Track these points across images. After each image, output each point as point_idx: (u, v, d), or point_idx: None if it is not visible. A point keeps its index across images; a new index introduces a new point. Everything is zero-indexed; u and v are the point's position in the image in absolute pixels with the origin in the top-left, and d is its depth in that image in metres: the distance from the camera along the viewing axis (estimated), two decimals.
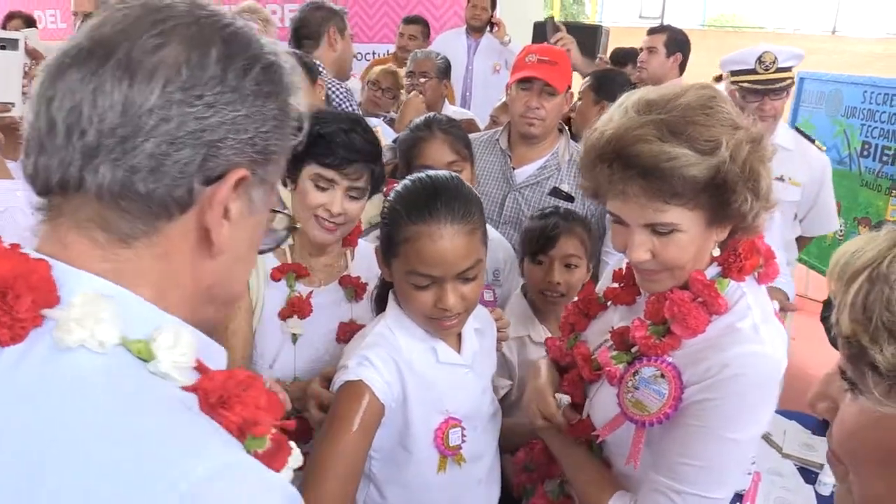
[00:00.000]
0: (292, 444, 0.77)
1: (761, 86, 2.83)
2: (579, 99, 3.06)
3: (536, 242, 1.96)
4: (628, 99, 1.22)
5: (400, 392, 1.33)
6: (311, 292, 1.66)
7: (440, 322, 1.33)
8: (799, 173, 2.97)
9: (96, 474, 0.56)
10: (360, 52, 5.78)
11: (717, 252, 1.27)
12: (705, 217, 1.20)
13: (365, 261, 1.78)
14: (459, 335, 1.45)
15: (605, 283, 1.56)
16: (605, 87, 2.84)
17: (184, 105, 0.66)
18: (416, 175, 1.38)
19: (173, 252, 0.70)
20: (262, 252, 0.85)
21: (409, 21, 4.76)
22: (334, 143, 1.56)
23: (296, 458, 0.76)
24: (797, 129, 3.15)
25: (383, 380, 1.30)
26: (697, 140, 1.13)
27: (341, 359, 1.38)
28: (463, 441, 1.39)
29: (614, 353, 1.33)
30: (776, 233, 2.61)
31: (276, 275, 1.64)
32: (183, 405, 0.64)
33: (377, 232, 2.01)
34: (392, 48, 5.26)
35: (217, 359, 0.75)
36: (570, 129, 2.66)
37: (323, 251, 1.70)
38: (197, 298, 0.74)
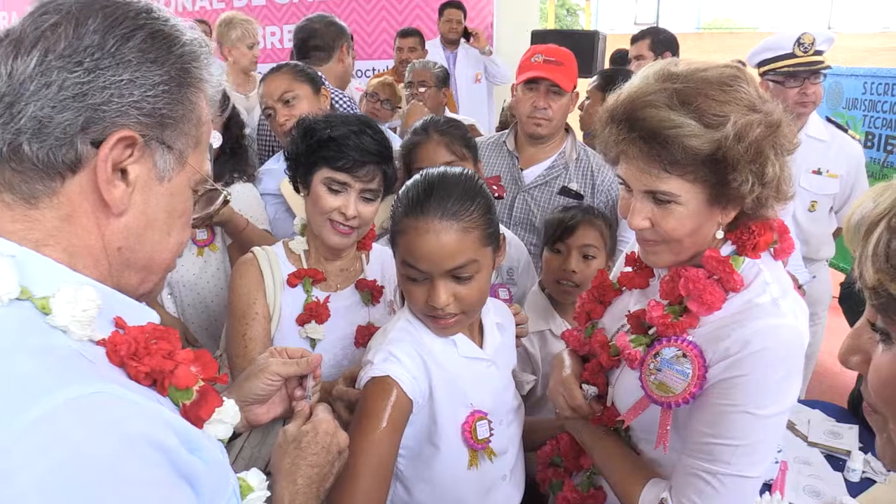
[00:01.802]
0: (226, 398, 0.83)
1: (804, 68, 2.75)
2: (587, 98, 3.07)
3: (555, 231, 1.99)
4: (653, 67, 1.23)
5: (427, 387, 1.32)
6: (327, 297, 1.67)
7: (435, 320, 1.32)
8: (836, 164, 2.88)
9: None
10: (359, 70, 5.85)
11: (720, 235, 1.26)
12: (706, 193, 1.19)
13: (379, 264, 1.79)
14: (482, 330, 1.45)
15: (618, 268, 1.57)
16: (613, 85, 2.83)
17: (63, 71, 0.72)
18: (427, 170, 1.37)
19: (77, 212, 0.75)
20: (194, 226, 0.91)
21: (405, 34, 4.83)
22: (345, 145, 1.57)
23: (228, 411, 0.83)
24: (829, 120, 3.07)
25: (410, 375, 1.29)
26: (705, 113, 1.14)
27: (365, 355, 1.37)
28: (491, 434, 1.38)
29: (632, 336, 1.33)
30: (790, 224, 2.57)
31: (293, 280, 1.65)
32: (75, 354, 0.69)
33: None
34: (389, 64, 5.33)
35: (144, 320, 0.79)
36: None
37: (338, 255, 1.71)
38: (111, 261, 0.79)
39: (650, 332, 1.32)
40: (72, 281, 0.73)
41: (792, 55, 2.76)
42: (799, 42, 2.74)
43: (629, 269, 1.48)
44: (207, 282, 2.25)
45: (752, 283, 1.24)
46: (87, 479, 0.60)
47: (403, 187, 1.35)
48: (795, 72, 2.77)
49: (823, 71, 2.78)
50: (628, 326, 1.38)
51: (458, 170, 1.38)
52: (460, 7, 5.13)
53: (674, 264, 1.29)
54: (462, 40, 5.13)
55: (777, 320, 1.18)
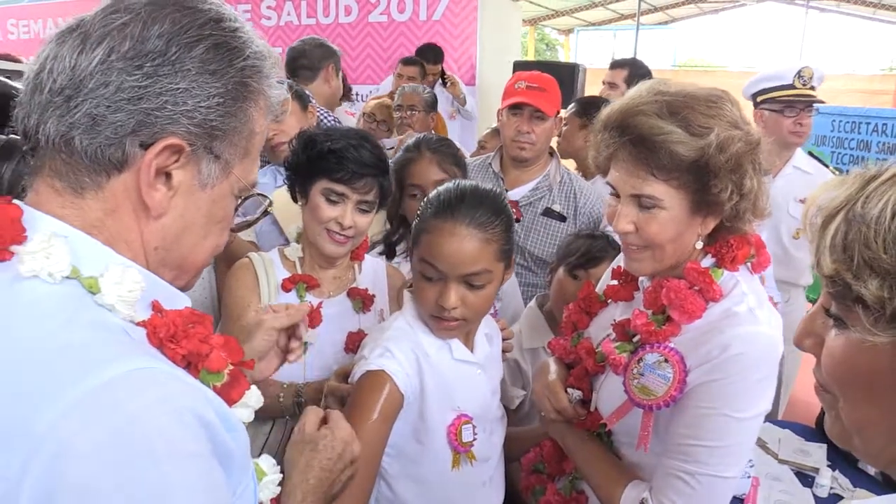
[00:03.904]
0: (253, 385, 0.87)
1: (802, 99, 2.89)
2: (565, 125, 3.17)
3: (579, 258, 1.95)
4: (646, 83, 1.32)
5: (418, 385, 1.36)
6: (320, 303, 1.70)
7: (440, 321, 1.38)
8: None
9: (32, 376, 0.65)
10: None
11: (699, 245, 1.34)
12: (688, 200, 1.27)
13: (371, 274, 1.84)
14: (472, 338, 1.50)
15: (604, 281, 1.63)
16: (590, 111, 2.94)
17: (123, 73, 0.74)
18: (460, 180, 1.44)
19: (120, 209, 0.78)
20: (232, 230, 0.93)
21: (407, 62, 4.96)
22: (345, 158, 1.62)
23: (253, 395, 0.86)
24: (811, 154, 3.22)
25: (404, 371, 1.34)
26: (692, 123, 1.23)
27: (360, 351, 1.42)
28: (475, 438, 1.43)
29: (617, 343, 1.39)
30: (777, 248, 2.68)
31: (287, 285, 1.69)
32: (123, 331, 0.72)
33: (381, 248, 2.08)
34: (373, 88, 5.46)
35: (179, 306, 0.83)
36: None
37: (332, 264, 1.76)
38: (148, 257, 0.81)
39: (634, 339, 1.38)
40: (118, 262, 0.76)
41: (791, 86, 2.91)
42: (799, 74, 2.90)
43: (615, 282, 1.55)
44: (193, 291, 2.26)
45: (730, 293, 1.31)
46: (142, 447, 0.63)
47: (434, 192, 1.41)
48: (794, 101, 2.91)
49: (816, 105, 2.95)
50: (613, 335, 1.44)
51: (488, 186, 1.45)
52: (437, 60, 5.26)
53: (655, 272, 1.36)
54: (439, 81, 5.28)
55: (754, 327, 1.25)
